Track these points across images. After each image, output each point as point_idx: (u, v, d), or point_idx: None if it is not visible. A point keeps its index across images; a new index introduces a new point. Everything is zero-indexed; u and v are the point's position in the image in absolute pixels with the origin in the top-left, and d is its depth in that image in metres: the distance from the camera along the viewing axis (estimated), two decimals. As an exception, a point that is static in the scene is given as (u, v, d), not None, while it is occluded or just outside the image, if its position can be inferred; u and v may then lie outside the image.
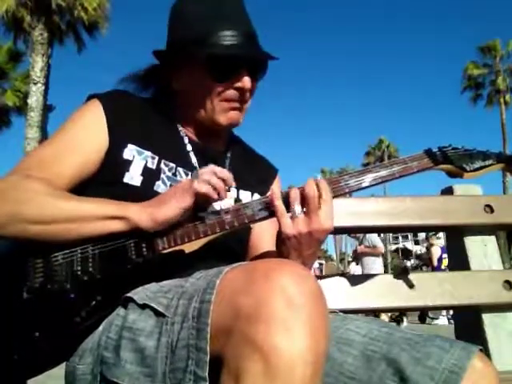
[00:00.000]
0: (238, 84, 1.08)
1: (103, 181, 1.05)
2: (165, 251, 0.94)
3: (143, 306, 0.84)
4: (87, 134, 1.05)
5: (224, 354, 0.69)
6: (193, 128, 1.17)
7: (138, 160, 1.06)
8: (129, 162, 1.05)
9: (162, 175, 1.07)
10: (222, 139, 1.22)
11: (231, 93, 1.09)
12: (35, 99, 13.47)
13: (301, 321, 0.66)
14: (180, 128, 1.16)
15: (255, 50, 1.12)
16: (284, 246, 0.97)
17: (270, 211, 0.98)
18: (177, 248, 0.95)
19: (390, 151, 48.72)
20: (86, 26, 15.07)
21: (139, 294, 0.87)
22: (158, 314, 0.81)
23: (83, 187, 1.05)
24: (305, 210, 0.95)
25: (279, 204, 0.95)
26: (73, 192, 1.02)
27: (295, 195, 0.95)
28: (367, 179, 1.03)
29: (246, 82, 1.08)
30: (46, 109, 14.20)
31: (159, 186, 1.06)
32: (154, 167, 1.07)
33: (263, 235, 1.18)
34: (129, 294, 0.88)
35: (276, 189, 0.97)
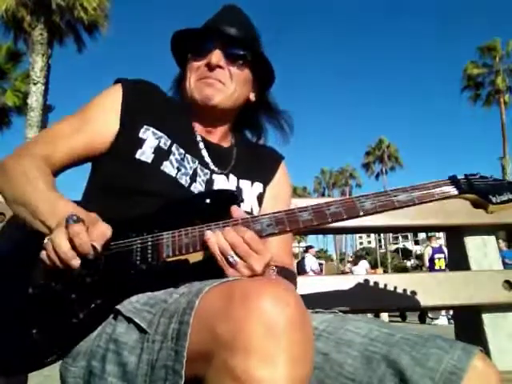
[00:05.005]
0: (207, 60, 1.17)
1: (118, 155, 1.10)
2: (169, 259, 0.94)
3: (129, 319, 0.84)
4: (99, 116, 1.12)
5: (204, 378, 0.67)
6: (204, 127, 1.22)
7: (151, 139, 1.11)
8: (143, 140, 1.10)
9: (172, 157, 1.11)
10: (226, 137, 1.27)
11: (203, 70, 1.17)
12: (35, 99, 13.46)
13: (280, 349, 0.64)
14: (195, 127, 1.21)
15: (229, 29, 1.19)
16: None
17: (278, 228, 0.95)
18: (182, 257, 0.94)
19: (389, 151, 48.70)
20: (85, 26, 15.05)
21: (128, 305, 0.87)
22: (141, 329, 0.81)
23: (99, 161, 1.12)
24: (240, 256, 0.90)
25: (218, 253, 0.90)
26: (95, 167, 1.15)
27: (226, 245, 0.90)
28: (383, 203, 0.99)
29: (213, 56, 1.15)
30: (46, 109, 14.20)
31: (166, 166, 1.09)
32: (166, 148, 1.12)
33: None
34: (118, 306, 0.88)
35: (210, 234, 0.91)
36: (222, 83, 1.17)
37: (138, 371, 0.77)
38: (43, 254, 0.86)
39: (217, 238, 0.90)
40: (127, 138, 1.10)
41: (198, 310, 0.72)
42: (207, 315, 0.71)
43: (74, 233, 0.84)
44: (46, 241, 0.87)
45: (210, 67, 1.16)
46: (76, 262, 0.85)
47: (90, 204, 1.05)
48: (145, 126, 1.12)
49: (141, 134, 1.11)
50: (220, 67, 1.16)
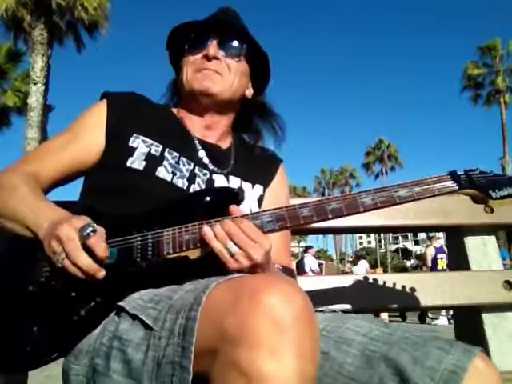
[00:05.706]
0: (204, 52, 1.18)
1: (110, 166, 1.10)
2: (169, 256, 0.94)
3: (133, 316, 0.84)
4: (85, 134, 1.14)
5: (210, 374, 0.68)
6: (201, 127, 1.23)
7: (142, 147, 1.12)
8: (133, 149, 1.11)
9: (165, 162, 1.11)
10: (225, 138, 1.27)
11: (201, 61, 1.18)
12: (35, 99, 13.45)
13: (287, 344, 0.64)
14: (190, 129, 1.21)
15: (223, 20, 1.22)
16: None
17: (279, 225, 0.96)
18: (182, 254, 0.94)
19: (390, 151, 48.66)
20: (86, 26, 15.04)
21: (132, 302, 0.87)
22: (146, 326, 0.81)
23: (91, 172, 1.13)
24: (239, 246, 0.91)
25: (217, 245, 0.91)
26: (87, 177, 1.14)
27: (223, 235, 0.91)
28: (384, 198, 0.99)
29: (209, 48, 1.17)
30: (46, 109, 14.18)
31: (160, 172, 1.09)
32: (158, 154, 1.12)
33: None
34: (122, 303, 0.88)
35: (207, 229, 0.92)
36: (220, 74, 1.18)
37: (143, 368, 0.77)
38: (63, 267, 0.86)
39: (215, 229, 0.91)
40: (117, 149, 1.11)
41: (204, 305, 0.72)
42: (214, 311, 0.71)
43: (92, 244, 0.85)
44: (59, 257, 0.86)
45: (208, 58, 1.17)
46: (102, 274, 0.87)
47: (88, 204, 1.05)
48: (134, 135, 1.13)
49: (130, 143, 1.11)
50: (217, 59, 1.18)
